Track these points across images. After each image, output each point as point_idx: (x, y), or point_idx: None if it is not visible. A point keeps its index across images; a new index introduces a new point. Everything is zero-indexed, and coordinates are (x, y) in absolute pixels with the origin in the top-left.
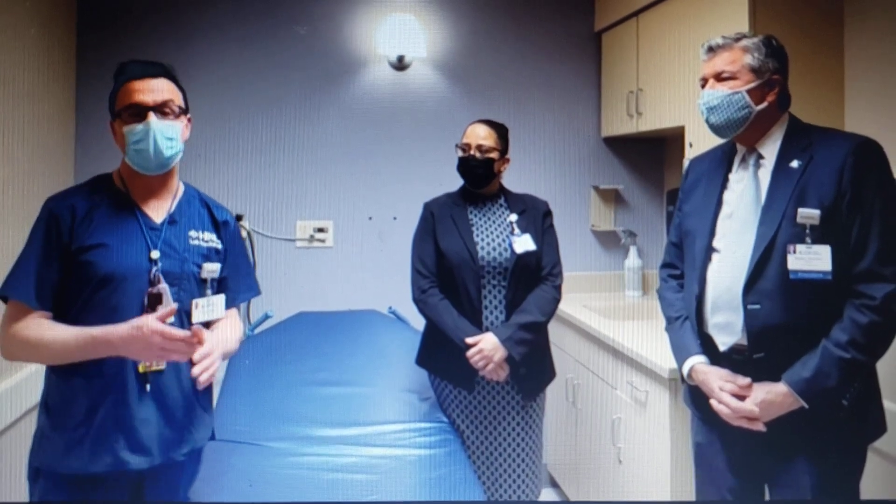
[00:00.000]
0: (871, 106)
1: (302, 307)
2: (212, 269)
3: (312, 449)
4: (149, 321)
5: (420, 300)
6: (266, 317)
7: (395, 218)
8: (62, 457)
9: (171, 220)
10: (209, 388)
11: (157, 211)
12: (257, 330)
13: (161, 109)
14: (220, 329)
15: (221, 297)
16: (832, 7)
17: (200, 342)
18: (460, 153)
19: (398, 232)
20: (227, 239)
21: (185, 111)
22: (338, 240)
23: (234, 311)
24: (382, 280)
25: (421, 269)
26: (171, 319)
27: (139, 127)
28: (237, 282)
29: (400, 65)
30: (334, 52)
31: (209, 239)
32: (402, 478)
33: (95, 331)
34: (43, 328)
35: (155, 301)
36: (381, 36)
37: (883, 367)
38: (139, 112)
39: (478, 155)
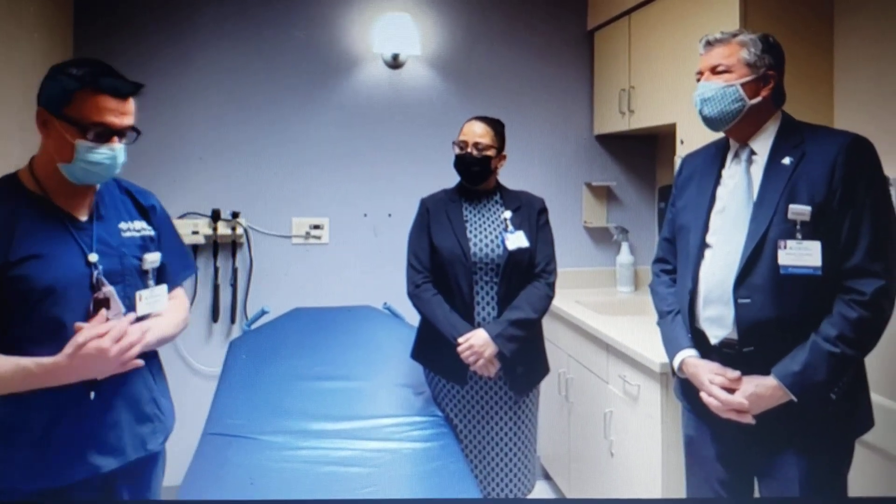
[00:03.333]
0: (860, 105)
1: (298, 303)
2: (153, 259)
3: (308, 443)
4: (85, 338)
5: (414, 295)
6: (262, 312)
7: (389, 215)
8: (25, 476)
9: (98, 215)
10: (163, 375)
11: (80, 209)
12: (254, 325)
13: (124, 133)
14: (162, 315)
15: (163, 288)
16: (823, 7)
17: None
18: (457, 150)
19: (393, 228)
20: (157, 223)
21: None
22: (333, 236)
23: (179, 291)
24: (377, 276)
25: (415, 265)
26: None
27: (104, 151)
28: (175, 263)
29: (395, 63)
30: (329, 50)
31: (141, 228)
32: (396, 471)
33: (33, 365)
34: None
35: (101, 306)
36: (375, 34)
37: (871, 361)
38: (105, 133)
39: (475, 153)
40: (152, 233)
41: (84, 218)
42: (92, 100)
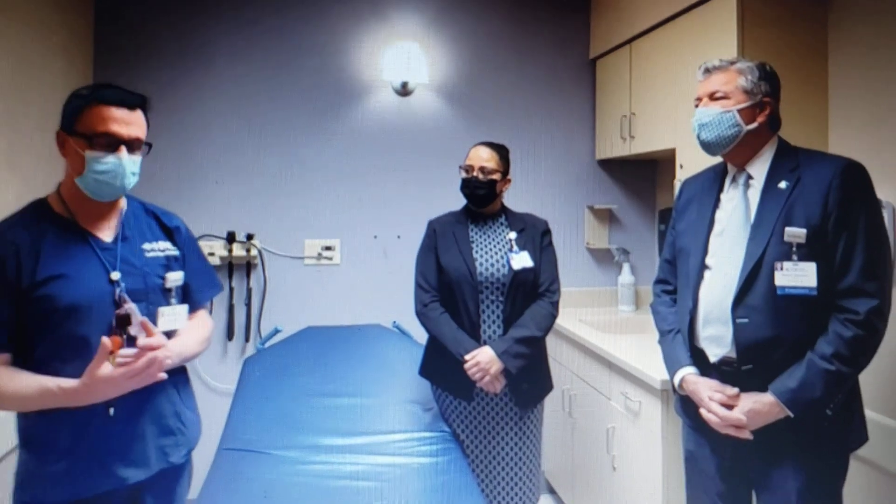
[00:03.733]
0: (854, 131)
1: (310, 322)
2: (175, 277)
3: (320, 457)
4: (94, 373)
5: (422, 313)
6: (276, 331)
7: (398, 236)
8: (54, 488)
9: (123, 236)
10: (189, 388)
11: (106, 230)
12: (267, 344)
13: (132, 144)
14: (184, 332)
15: (184, 307)
16: (817, 37)
17: (149, 333)
18: (464, 174)
19: (402, 250)
20: (181, 244)
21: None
22: (344, 257)
23: (202, 311)
24: (387, 296)
25: (423, 284)
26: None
27: (110, 159)
28: (200, 282)
29: (404, 90)
30: (341, 78)
31: (165, 248)
32: (405, 485)
33: (55, 388)
34: (2, 380)
35: (123, 322)
36: (385, 63)
37: (865, 378)
38: (112, 143)
39: (481, 176)
40: (176, 252)
41: (109, 239)
42: (97, 112)
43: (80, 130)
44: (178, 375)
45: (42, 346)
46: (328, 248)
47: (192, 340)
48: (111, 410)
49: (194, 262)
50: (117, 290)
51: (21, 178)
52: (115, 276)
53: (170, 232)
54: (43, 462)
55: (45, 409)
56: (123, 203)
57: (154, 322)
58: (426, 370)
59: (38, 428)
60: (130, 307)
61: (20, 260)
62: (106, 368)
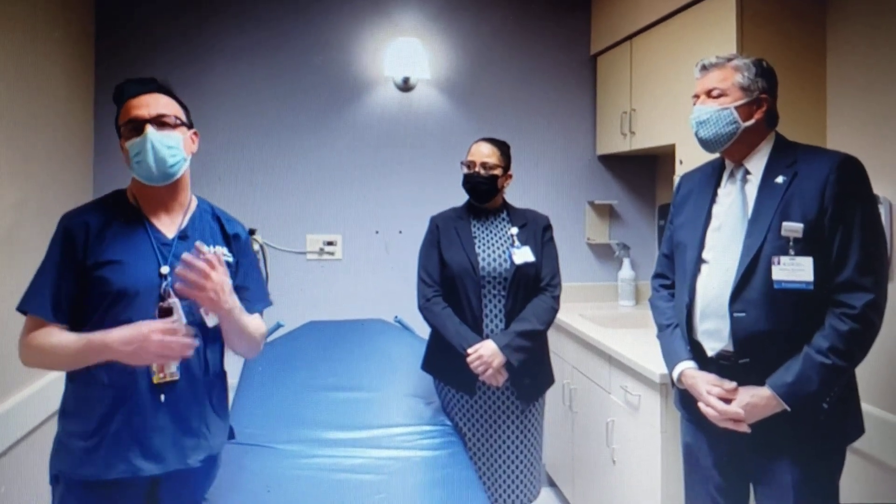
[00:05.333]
0: (851, 127)
1: (312, 316)
2: None
3: (322, 451)
4: (150, 323)
5: (424, 308)
6: (278, 326)
7: (400, 232)
8: (78, 463)
9: (183, 234)
10: (225, 396)
11: (169, 226)
12: (270, 338)
13: (158, 121)
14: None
15: None
16: (815, 34)
17: (210, 262)
18: (465, 170)
19: (404, 245)
20: (238, 251)
21: (186, 124)
22: (346, 252)
23: (256, 315)
24: (388, 290)
25: (426, 279)
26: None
27: (137, 140)
28: (251, 293)
29: (405, 86)
30: (343, 74)
31: (221, 253)
32: (407, 478)
33: (93, 335)
34: (50, 335)
35: (165, 315)
36: (387, 58)
37: (862, 372)
38: (137, 126)
39: (482, 172)
40: (231, 259)
41: (171, 235)
42: (124, 107)
43: (119, 129)
44: (216, 379)
45: (90, 325)
46: (330, 244)
47: (254, 322)
48: (162, 396)
49: (247, 270)
50: (163, 284)
51: (22, 178)
52: (165, 270)
53: (229, 238)
54: (71, 436)
55: (84, 385)
56: (191, 202)
57: (202, 321)
58: (429, 364)
59: (74, 400)
60: (174, 302)
61: (88, 240)
62: (155, 324)
